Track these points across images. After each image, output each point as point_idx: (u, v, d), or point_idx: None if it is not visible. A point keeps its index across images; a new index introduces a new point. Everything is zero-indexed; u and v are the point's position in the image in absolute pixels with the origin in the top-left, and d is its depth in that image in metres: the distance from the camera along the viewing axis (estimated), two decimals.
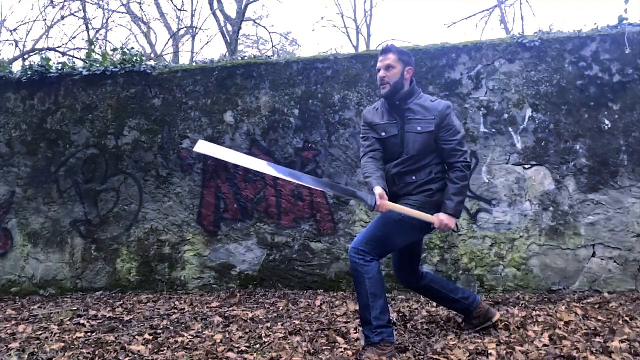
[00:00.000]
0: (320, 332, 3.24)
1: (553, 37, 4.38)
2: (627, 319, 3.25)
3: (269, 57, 5.25)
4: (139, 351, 2.97)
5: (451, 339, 2.99)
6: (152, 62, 5.46)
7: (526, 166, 4.34)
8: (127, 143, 5.06)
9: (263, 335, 3.22)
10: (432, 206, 2.81)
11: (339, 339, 3.05)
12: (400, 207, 2.73)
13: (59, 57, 9.98)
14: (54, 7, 11.33)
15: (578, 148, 4.26)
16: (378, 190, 2.68)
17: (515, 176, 4.35)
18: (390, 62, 2.85)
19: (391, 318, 2.93)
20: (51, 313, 4.15)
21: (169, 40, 14.83)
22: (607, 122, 4.22)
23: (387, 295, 2.94)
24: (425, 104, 2.86)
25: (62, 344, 3.16)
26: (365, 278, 2.70)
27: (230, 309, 4.05)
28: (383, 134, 2.88)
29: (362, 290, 2.72)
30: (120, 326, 3.65)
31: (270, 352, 2.86)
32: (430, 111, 2.83)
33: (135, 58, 5.21)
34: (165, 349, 3.02)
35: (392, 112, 2.89)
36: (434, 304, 3.96)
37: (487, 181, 4.39)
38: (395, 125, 2.86)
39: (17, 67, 6.72)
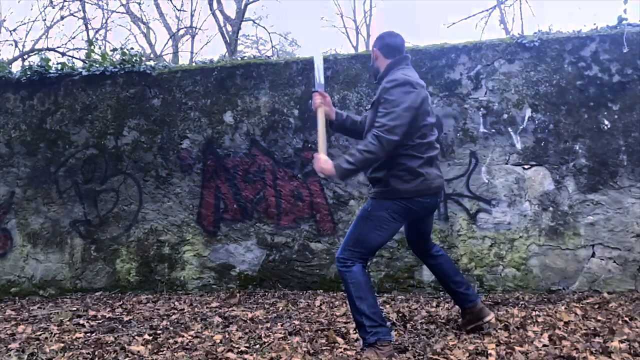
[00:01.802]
0: (319, 332, 3.24)
1: (552, 37, 4.38)
2: (627, 319, 3.25)
3: (268, 57, 5.25)
4: (138, 351, 2.97)
5: (451, 339, 2.99)
6: (152, 62, 5.45)
7: (525, 166, 4.34)
8: (126, 143, 5.06)
9: (263, 335, 3.22)
10: (388, 195, 2.78)
11: (339, 339, 3.05)
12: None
13: (59, 57, 9.98)
14: (53, 7, 11.34)
15: (577, 148, 4.26)
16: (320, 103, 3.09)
17: (514, 176, 4.35)
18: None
19: (385, 316, 2.92)
20: (51, 313, 4.15)
21: (168, 40, 14.84)
22: (606, 122, 4.22)
23: (376, 294, 2.97)
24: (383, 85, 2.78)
25: (62, 344, 3.15)
26: (348, 283, 2.74)
27: (230, 309, 4.05)
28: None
29: (349, 295, 2.76)
30: (120, 326, 3.64)
31: (269, 353, 2.86)
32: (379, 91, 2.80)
33: (134, 58, 5.21)
34: (165, 349, 3.02)
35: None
36: (434, 304, 3.97)
37: (486, 181, 4.39)
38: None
39: (16, 67, 6.73)
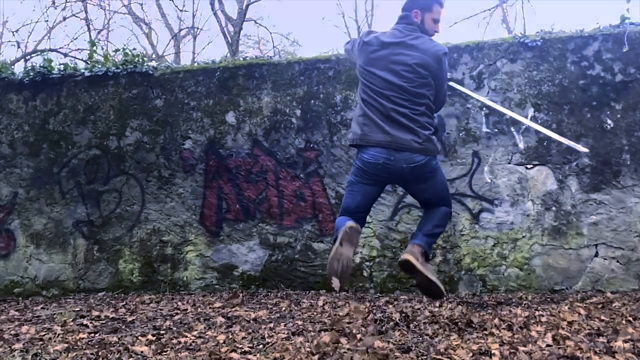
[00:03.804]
0: (323, 332, 3.24)
1: (555, 37, 4.37)
2: (630, 318, 3.24)
3: (270, 57, 5.25)
4: (142, 352, 2.97)
5: (454, 339, 2.98)
6: (154, 63, 5.46)
7: (528, 166, 4.33)
8: (129, 144, 5.07)
9: (266, 335, 3.22)
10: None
11: (342, 339, 3.05)
12: None
13: (61, 58, 10.02)
14: (55, 8, 11.38)
15: None
16: None
17: (517, 176, 4.35)
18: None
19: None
20: (54, 314, 4.15)
21: (170, 40, 14.86)
22: (609, 121, 4.21)
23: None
24: None
25: (66, 345, 3.16)
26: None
27: (233, 309, 4.05)
28: None
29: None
30: (123, 327, 3.65)
31: (273, 353, 2.86)
32: None
33: (136, 59, 5.22)
34: (168, 349, 3.02)
35: None
36: (437, 303, 3.96)
37: (489, 181, 4.39)
38: None
39: (19, 68, 6.74)
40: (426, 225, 3.06)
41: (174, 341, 3.18)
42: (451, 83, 3.31)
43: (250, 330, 3.36)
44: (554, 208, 4.28)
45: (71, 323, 3.79)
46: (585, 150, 3.33)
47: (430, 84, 2.86)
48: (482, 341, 2.90)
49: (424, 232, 3.02)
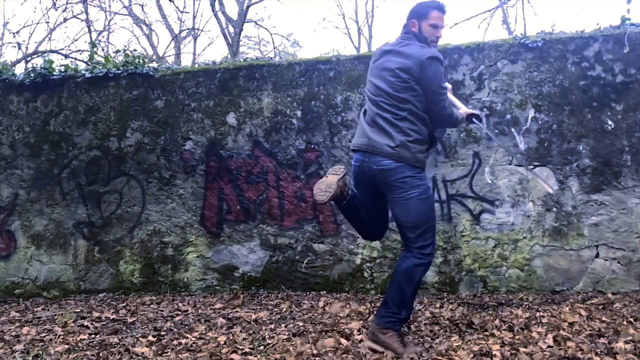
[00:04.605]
0: (323, 333, 3.24)
1: (555, 38, 4.37)
2: (632, 319, 3.24)
3: (271, 58, 5.25)
4: (142, 353, 2.97)
5: (455, 340, 2.98)
6: (155, 64, 5.47)
7: (529, 167, 4.33)
8: (129, 145, 5.07)
9: (267, 336, 3.23)
10: None
11: (343, 341, 3.05)
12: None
13: (62, 59, 10.00)
14: (56, 10, 11.36)
15: (581, 148, 4.25)
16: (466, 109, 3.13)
17: (518, 177, 4.35)
18: (444, 23, 2.97)
19: None
20: (55, 315, 4.15)
21: (170, 42, 14.86)
22: (610, 122, 4.21)
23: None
24: None
25: (66, 346, 3.16)
26: None
27: (234, 310, 4.05)
28: None
29: None
30: (124, 328, 3.65)
31: (274, 354, 2.86)
32: None
33: (137, 60, 5.22)
34: (169, 350, 3.02)
35: None
36: (437, 305, 3.96)
37: (489, 182, 4.39)
38: None
39: (20, 70, 6.74)
40: (388, 291, 2.90)
41: (175, 342, 3.18)
42: (473, 123, 3.20)
43: (251, 332, 3.36)
44: (554, 209, 4.27)
45: (72, 324, 3.79)
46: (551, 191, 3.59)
47: (413, 88, 2.82)
48: (483, 342, 2.90)
49: (383, 306, 2.89)
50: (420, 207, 2.82)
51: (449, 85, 3.10)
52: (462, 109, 3.11)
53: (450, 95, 3.09)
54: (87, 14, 12.56)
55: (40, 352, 3.03)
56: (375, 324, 2.87)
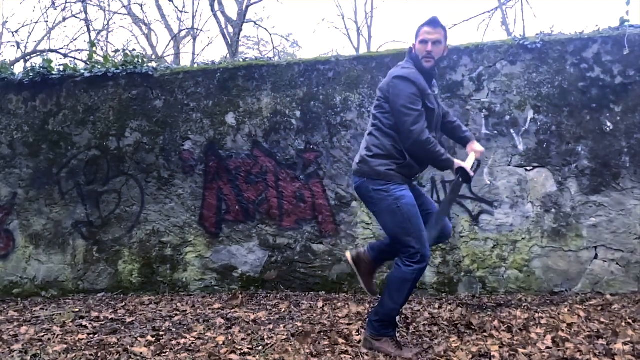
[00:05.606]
0: (322, 333, 3.24)
1: (554, 39, 4.38)
2: (630, 321, 3.25)
3: (270, 58, 5.25)
4: (141, 353, 2.97)
5: (453, 341, 2.98)
6: (154, 64, 5.46)
7: (528, 168, 4.33)
8: (128, 144, 5.07)
9: (265, 337, 3.22)
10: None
11: (341, 341, 3.05)
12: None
13: (61, 59, 10.01)
14: (55, 9, 11.39)
15: (580, 150, 4.25)
16: (463, 163, 2.86)
17: (517, 178, 4.35)
18: (440, 37, 2.85)
19: None
20: (53, 314, 4.15)
21: (170, 41, 14.86)
22: (608, 123, 4.22)
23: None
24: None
25: (65, 346, 3.16)
26: None
27: (232, 310, 4.05)
28: (431, 105, 2.82)
29: None
30: (123, 328, 3.65)
31: (272, 354, 2.86)
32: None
33: (136, 59, 5.21)
34: (168, 350, 3.02)
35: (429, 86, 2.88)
36: (436, 305, 3.96)
37: (488, 183, 4.39)
38: (435, 99, 2.88)
39: (19, 69, 6.74)
40: (381, 297, 2.90)
41: (174, 342, 3.18)
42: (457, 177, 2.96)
43: (249, 332, 3.36)
44: (553, 210, 4.28)
45: (70, 324, 3.78)
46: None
47: (381, 106, 2.87)
48: (482, 343, 2.90)
49: (374, 314, 2.89)
50: (391, 219, 2.80)
51: (480, 148, 3.00)
52: (458, 162, 2.87)
53: (471, 155, 2.95)
54: (86, 13, 12.57)
55: (39, 352, 3.03)
56: (368, 334, 2.89)
